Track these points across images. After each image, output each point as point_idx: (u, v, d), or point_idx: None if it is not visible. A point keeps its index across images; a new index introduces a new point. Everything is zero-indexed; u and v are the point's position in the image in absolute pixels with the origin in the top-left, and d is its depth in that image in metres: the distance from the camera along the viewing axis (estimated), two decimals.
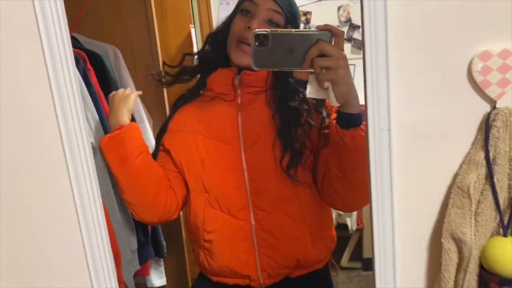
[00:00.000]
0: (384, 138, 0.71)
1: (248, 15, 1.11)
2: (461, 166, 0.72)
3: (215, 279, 1.17)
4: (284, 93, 1.11)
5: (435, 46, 0.71)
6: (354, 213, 2.88)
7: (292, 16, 1.12)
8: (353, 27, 3.07)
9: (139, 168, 1.12)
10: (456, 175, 0.73)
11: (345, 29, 3.05)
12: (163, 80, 1.27)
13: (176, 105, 1.25)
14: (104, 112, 1.49)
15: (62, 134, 0.79)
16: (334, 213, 2.97)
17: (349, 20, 3.06)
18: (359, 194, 1.04)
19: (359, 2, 0.71)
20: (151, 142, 1.57)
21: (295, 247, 1.13)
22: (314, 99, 1.08)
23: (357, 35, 3.04)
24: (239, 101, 1.13)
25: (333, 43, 0.86)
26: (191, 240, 1.22)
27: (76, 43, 1.61)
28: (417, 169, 0.74)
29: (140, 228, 1.62)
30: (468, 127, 0.72)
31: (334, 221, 2.92)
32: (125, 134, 1.14)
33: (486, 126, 0.70)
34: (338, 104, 0.91)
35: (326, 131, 1.09)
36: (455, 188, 0.72)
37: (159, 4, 2.05)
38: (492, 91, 0.70)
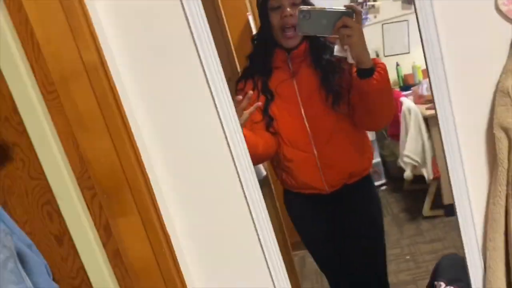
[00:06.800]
0: (439, 67, 0.98)
1: (278, 9, 1.46)
2: (501, 75, 0.98)
3: (295, 190, 1.67)
4: (317, 54, 1.52)
5: None
6: (429, 164, 3.07)
7: None
8: None
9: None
10: (498, 83, 0.99)
11: None
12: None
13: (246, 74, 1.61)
14: None
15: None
16: (409, 166, 3.18)
17: None
18: (377, 120, 1.54)
19: None
20: None
21: (347, 163, 1.60)
22: None
23: None
24: (291, 71, 1.54)
25: (354, 19, 1.26)
26: (275, 167, 1.69)
27: None
28: (472, 87, 1.01)
29: None
30: (502, 48, 0.98)
31: (410, 174, 3.15)
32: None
33: None
34: (353, 62, 1.33)
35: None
36: (498, 92, 0.97)
37: None
38: None
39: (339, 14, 1.25)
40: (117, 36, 0.97)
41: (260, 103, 1.49)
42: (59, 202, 0.96)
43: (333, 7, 1.29)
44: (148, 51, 0.99)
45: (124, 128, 0.94)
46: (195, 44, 0.98)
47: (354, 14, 1.26)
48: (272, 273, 1.09)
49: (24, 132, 0.94)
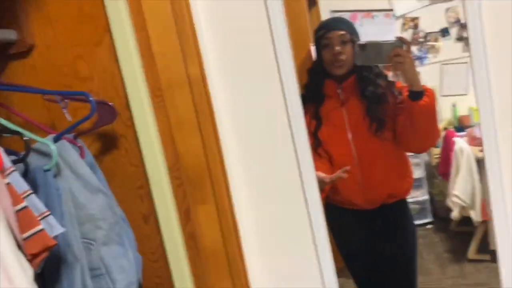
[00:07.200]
0: (488, 107, 1.11)
1: (329, 47, 1.70)
2: None
3: (337, 204, 1.85)
4: (365, 87, 1.72)
5: None
6: (478, 205, 3.06)
7: (350, 28, 1.74)
8: (463, 26, 3.21)
9: None
10: None
11: (454, 30, 3.20)
12: None
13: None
14: None
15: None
16: (457, 206, 3.19)
17: (458, 21, 3.19)
18: (422, 141, 1.72)
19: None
20: None
21: (387, 184, 1.80)
22: (387, 83, 1.73)
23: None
24: (341, 100, 1.74)
25: (404, 48, 1.48)
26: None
27: None
28: None
29: None
30: None
31: (458, 215, 3.16)
32: None
33: None
34: (405, 84, 1.56)
35: (401, 105, 1.67)
36: None
37: None
38: None
39: (391, 45, 1.48)
40: (215, 56, 1.18)
41: (349, 168, 1.64)
42: (152, 186, 1.15)
43: (386, 40, 1.50)
44: (238, 71, 1.19)
45: (212, 132, 1.13)
46: (278, 69, 1.17)
47: (404, 45, 1.49)
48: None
49: (131, 126, 1.15)
